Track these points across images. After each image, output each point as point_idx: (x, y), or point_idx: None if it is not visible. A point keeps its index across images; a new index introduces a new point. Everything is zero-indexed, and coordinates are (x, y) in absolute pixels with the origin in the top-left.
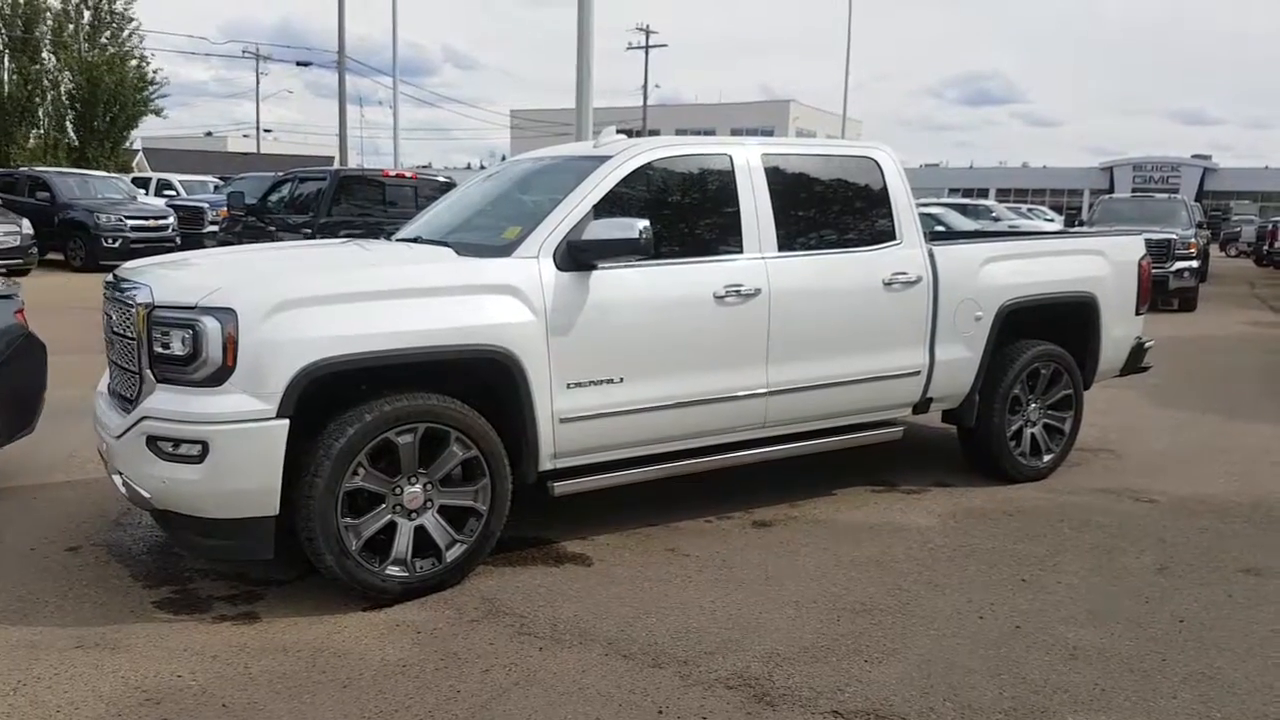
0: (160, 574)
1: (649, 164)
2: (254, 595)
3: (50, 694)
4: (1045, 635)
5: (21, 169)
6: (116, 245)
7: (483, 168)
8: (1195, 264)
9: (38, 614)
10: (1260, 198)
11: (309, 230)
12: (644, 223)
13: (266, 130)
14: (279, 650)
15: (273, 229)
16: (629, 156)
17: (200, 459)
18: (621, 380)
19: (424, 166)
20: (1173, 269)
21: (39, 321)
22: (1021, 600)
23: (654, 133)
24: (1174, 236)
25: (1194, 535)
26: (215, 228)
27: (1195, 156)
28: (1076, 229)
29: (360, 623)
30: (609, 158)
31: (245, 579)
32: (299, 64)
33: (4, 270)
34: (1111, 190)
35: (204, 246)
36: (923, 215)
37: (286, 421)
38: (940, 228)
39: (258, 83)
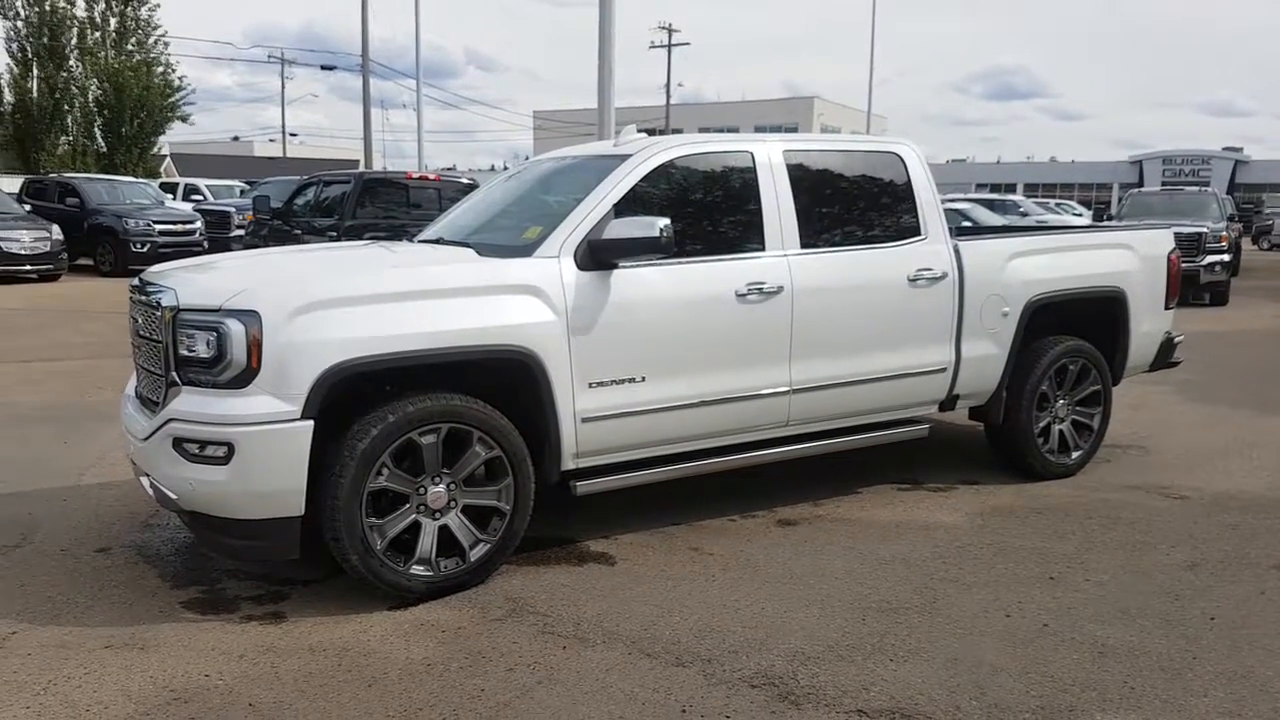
0: (188, 575)
1: (669, 162)
2: (280, 595)
3: (80, 693)
4: (1074, 633)
5: (51, 175)
6: (144, 250)
7: (505, 169)
8: (1227, 257)
9: (68, 614)
10: None
11: (334, 233)
12: (664, 221)
13: (292, 134)
14: (305, 650)
15: (298, 232)
16: (649, 155)
17: (226, 460)
18: (643, 379)
19: (448, 168)
20: (1204, 263)
21: (73, 326)
22: (1050, 598)
23: (677, 131)
24: (1205, 230)
25: (1225, 532)
26: (241, 231)
27: (1226, 149)
28: (1105, 223)
29: (385, 622)
30: (629, 156)
31: (272, 579)
32: (323, 68)
33: (36, 275)
34: (1141, 184)
35: (230, 250)
36: (949, 210)
37: (311, 422)
38: (967, 223)
39: (283, 87)
